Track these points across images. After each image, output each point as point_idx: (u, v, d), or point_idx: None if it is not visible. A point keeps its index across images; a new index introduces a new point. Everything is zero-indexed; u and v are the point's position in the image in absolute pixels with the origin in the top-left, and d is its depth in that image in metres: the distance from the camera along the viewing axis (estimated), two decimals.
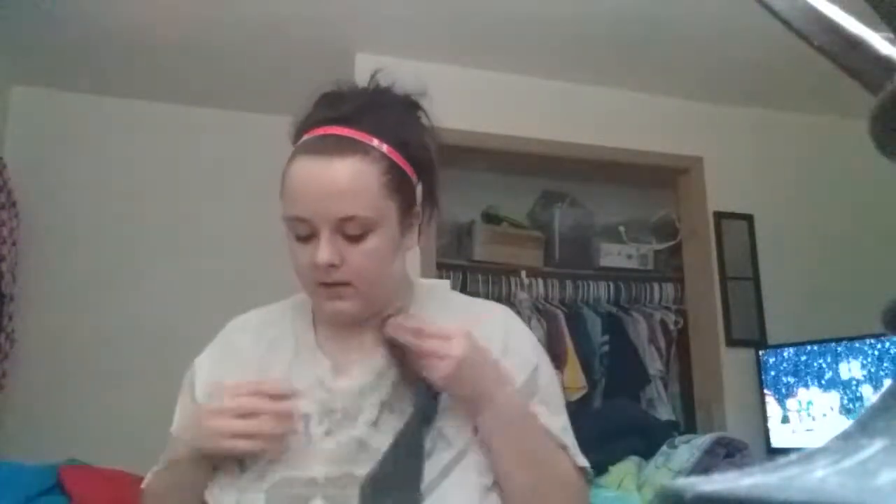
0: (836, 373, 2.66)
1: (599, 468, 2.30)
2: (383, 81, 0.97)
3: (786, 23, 0.28)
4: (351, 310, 0.91)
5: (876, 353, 2.56)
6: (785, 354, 2.86)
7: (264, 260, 2.94)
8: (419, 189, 0.94)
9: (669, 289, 3.53)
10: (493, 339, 0.93)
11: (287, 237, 0.91)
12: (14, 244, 2.72)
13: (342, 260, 0.87)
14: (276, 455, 0.87)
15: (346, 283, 0.88)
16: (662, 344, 3.39)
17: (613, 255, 3.53)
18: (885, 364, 2.54)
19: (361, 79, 1.01)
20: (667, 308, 3.50)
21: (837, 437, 0.21)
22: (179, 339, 2.80)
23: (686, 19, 2.58)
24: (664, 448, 2.34)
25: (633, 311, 3.46)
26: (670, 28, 2.63)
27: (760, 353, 2.94)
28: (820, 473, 0.18)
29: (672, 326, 3.43)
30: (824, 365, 2.70)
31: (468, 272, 3.30)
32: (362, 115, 0.90)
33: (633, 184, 3.58)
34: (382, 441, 0.86)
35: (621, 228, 3.60)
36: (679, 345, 3.38)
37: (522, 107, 2.96)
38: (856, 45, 0.27)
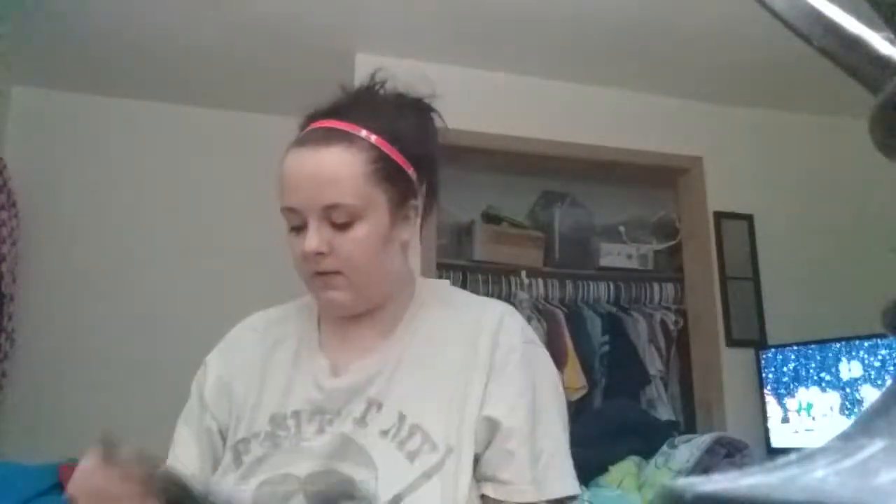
0: (836, 373, 2.66)
1: (599, 468, 2.31)
2: (390, 81, 0.98)
3: (786, 23, 0.28)
4: (344, 300, 0.91)
5: (876, 353, 2.56)
6: (785, 354, 2.86)
7: (264, 259, 2.95)
8: (417, 183, 0.95)
9: (669, 289, 3.53)
10: (483, 333, 0.93)
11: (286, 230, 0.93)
12: (14, 244, 2.72)
13: (331, 248, 0.88)
14: None
15: (337, 273, 0.89)
16: (662, 344, 3.39)
17: (613, 255, 3.53)
18: (885, 364, 2.54)
19: (361, 79, 1.01)
20: (667, 308, 3.50)
21: (837, 437, 0.21)
22: (179, 338, 2.82)
23: (686, 19, 2.58)
24: (664, 448, 2.35)
25: (633, 311, 3.46)
26: (670, 28, 2.64)
27: (760, 353, 2.94)
28: (820, 473, 0.18)
29: (672, 326, 3.43)
30: (824, 365, 2.70)
31: (468, 272, 3.30)
32: (353, 108, 0.93)
33: (633, 184, 3.58)
34: (368, 438, 0.87)
35: (621, 228, 3.60)
36: (679, 345, 3.38)
37: (522, 107, 2.96)
38: (856, 45, 0.27)
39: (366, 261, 0.90)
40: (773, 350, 2.92)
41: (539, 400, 0.90)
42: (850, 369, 2.62)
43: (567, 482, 0.89)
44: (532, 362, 0.93)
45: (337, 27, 2.65)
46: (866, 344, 2.59)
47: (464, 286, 3.22)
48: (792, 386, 2.81)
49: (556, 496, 0.87)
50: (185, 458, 0.95)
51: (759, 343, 3.02)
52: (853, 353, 2.62)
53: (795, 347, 2.82)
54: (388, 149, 0.91)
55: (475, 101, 2.87)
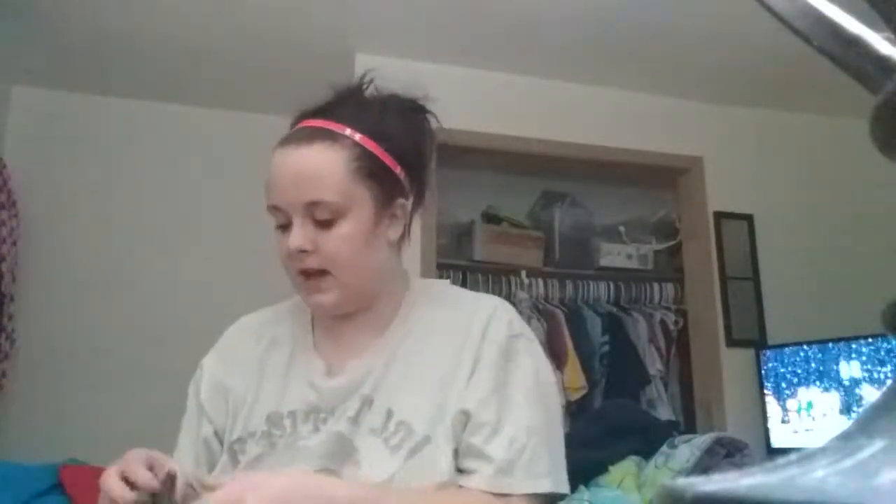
0: (836, 373, 2.66)
1: (599, 468, 2.30)
2: (386, 82, 0.99)
3: (786, 23, 0.28)
4: (331, 300, 0.92)
5: (876, 353, 2.56)
6: (785, 354, 2.86)
7: (264, 260, 2.94)
8: (406, 183, 0.95)
9: (669, 289, 3.53)
10: (473, 328, 0.93)
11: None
12: (14, 244, 2.72)
13: (315, 246, 0.88)
14: None
15: (323, 272, 0.90)
16: (662, 344, 3.39)
17: (613, 255, 3.53)
18: (885, 364, 2.54)
19: (356, 79, 1.01)
20: (667, 308, 3.50)
21: (837, 437, 0.21)
22: (179, 339, 2.82)
23: (686, 20, 2.58)
24: (664, 448, 2.34)
25: (633, 311, 3.46)
26: (670, 28, 2.64)
27: (760, 353, 2.94)
28: (820, 473, 0.18)
29: (672, 326, 3.43)
30: (824, 365, 2.70)
31: (468, 272, 3.30)
32: (339, 107, 0.94)
33: (633, 184, 3.58)
34: (361, 437, 0.87)
35: (621, 228, 3.60)
36: (679, 345, 3.38)
37: (523, 107, 2.96)
38: (856, 45, 0.27)
39: (350, 258, 0.90)
40: (773, 350, 2.92)
41: (515, 393, 0.89)
42: (850, 369, 2.62)
43: (540, 480, 0.86)
44: (513, 355, 0.92)
45: (337, 27, 2.65)
46: (866, 344, 2.59)
47: (464, 286, 3.19)
48: (792, 386, 2.81)
49: (525, 491, 0.85)
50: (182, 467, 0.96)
51: (759, 343, 3.01)
52: (853, 353, 2.62)
53: (795, 347, 2.82)
54: (372, 147, 0.91)
55: (475, 101, 2.87)
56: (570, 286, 3.45)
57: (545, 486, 0.86)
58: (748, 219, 3.18)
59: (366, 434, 0.88)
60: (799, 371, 2.79)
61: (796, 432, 2.77)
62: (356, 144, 0.90)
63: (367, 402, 0.90)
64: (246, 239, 3.03)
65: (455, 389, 0.89)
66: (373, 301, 0.96)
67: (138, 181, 3.09)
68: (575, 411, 3.11)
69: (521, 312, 3.19)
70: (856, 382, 2.60)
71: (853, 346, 2.63)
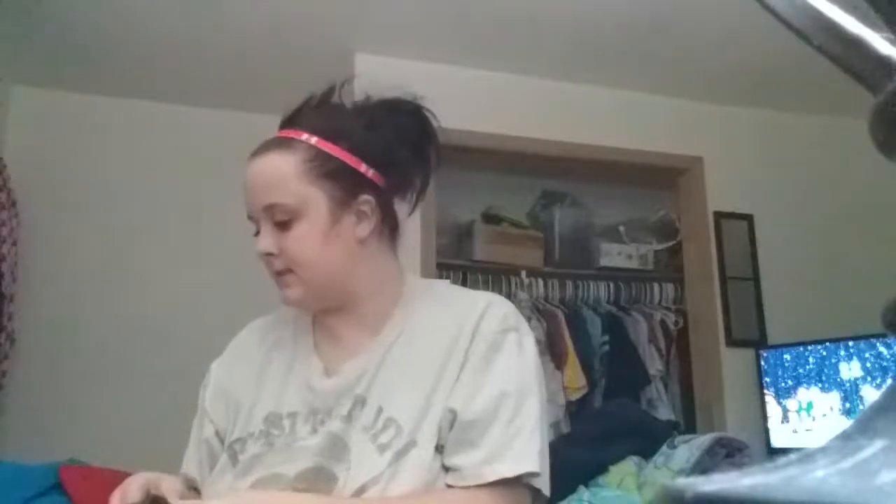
0: (836, 373, 2.66)
1: (599, 468, 2.30)
2: (378, 85, 1.00)
3: (786, 23, 0.28)
4: (296, 295, 0.95)
5: (876, 353, 2.56)
6: (785, 354, 2.86)
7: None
8: (376, 180, 0.96)
9: (669, 289, 3.53)
10: (466, 325, 0.93)
11: None
12: (14, 244, 2.72)
13: (279, 249, 0.93)
14: None
15: (289, 271, 0.94)
16: (662, 344, 3.39)
17: (613, 255, 3.53)
18: (885, 364, 2.54)
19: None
20: (667, 308, 3.50)
21: (837, 437, 0.21)
22: (179, 339, 2.82)
23: (686, 20, 2.58)
24: (664, 448, 2.34)
25: (633, 311, 3.46)
26: (670, 28, 2.64)
27: (760, 353, 2.94)
28: (820, 473, 0.18)
29: (672, 326, 3.43)
30: (824, 365, 2.70)
31: (468, 272, 3.30)
32: (302, 113, 0.98)
33: (633, 184, 3.58)
34: (352, 435, 0.88)
35: (621, 228, 3.60)
36: (679, 345, 3.38)
37: (523, 107, 2.96)
38: (856, 45, 0.27)
39: (308, 257, 0.92)
40: (773, 350, 2.92)
41: (501, 388, 0.89)
42: (850, 369, 2.62)
43: (522, 462, 0.86)
44: (498, 349, 0.92)
45: (337, 27, 2.65)
46: (866, 344, 2.59)
47: (464, 286, 3.22)
48: (792, 386, 2.81)
49: (505, 475, 0.85)
50: (188, 468, 1.00)
51: (759, 343, 3.01)
52: (853, 353, 2.62)
53: (795, 347, 2.82)
54: (329, 147, 0.93)
55: (475, 101, 2.87)
56: (570, 286, 3.45)
57: (530, 466, 0.86)
58: (748, 219, 3.18)
59: (357, 432, 0.89)
60: (799, 371, 2.79)
61: (796, 432, 2.77)
62: (311, 147, 0.93)
63: (360, 402, 0.91)
64: (246, 239, 3.03)
65: (444, 387, 0.90)
66: (360, 298, 0.97)
67: (138, 181, 3.09)
68: (575, 411, 3.11)
69: (521, 312, 3.21)
70: (856, 382, 2.60)
71: (853, 346, 2.63)
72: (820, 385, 2.70)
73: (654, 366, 3.32)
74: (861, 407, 2.52)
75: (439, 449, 0.88)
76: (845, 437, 0.20)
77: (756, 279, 3.13)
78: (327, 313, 0.99)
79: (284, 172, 0.92)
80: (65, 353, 2.83)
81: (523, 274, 3.38)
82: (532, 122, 2.94)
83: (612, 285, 3.50)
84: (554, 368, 3.15)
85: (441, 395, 0.89)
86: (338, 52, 2.73)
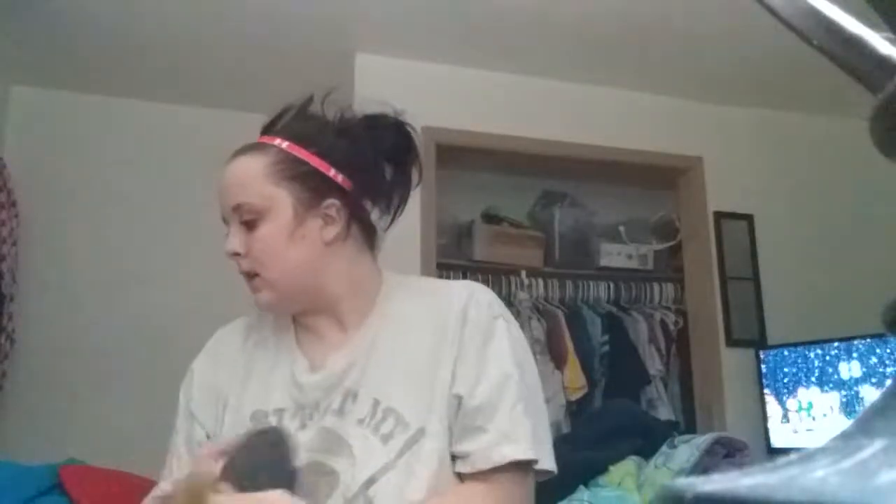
0: (836, 373, 2.66)
1: (599, 468, 2.30)
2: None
3: (786, 23, 0.28)
4: (265, 300, 0.97)
5: (876, 353, 2.56)
6: (785, 354, 2.86)
7: None
8: (344, 185, 0.97)
9: (669, 289, 3.53)
10: (452, 312, 0.94)
11: None
12: (14, 244, 2.72)
13: (246, 249, 0.95)
14: None
15: (255, 275, 0.96)
16: (662, 344, 3.39)
17: (613, 255, 3.53)
18: (885, 364, 2.54)
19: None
20: (667, 308, 3.50)
21: (837, 437, 0.21)
22: (179, 339, 2.81)
23: (686, 20, 2.58)
24: (664, 448, 2.34)
25: (633, 311, 3.46)
26: (671, 28, 2.64)
27: (760, 353, 2.94)
28: (820, 473, 0.18)
29: (672, 326, 3.43)
30: (824, 365, 2.70)
31: (468, 272, 3.30)
32: (278, 121, 1.01)
33: (633, 184, 3.58)
34: (346, 428, 0.89)
35: (621, 228, 3.60)
36: (679, 345, 3.38)
37: (523, 107, 2.96)
38: (856, 45, 0.27)
39: (272, 258, 0.94)
40: (773, 350, 2.92)
41: (502, 371, 0.91)
42: (850, 369, 2.62)
43: (532, 446, 0.88)
44: (491, 336, 0.94)
45: (337, 27, 2.65)
46: (866, 344, 2.59)
47: None
48: (792, 386, 2.81)
49: (516, 457, 0.87)
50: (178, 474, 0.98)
51: (759, 343, 3.01)
52: (853, 353, 2.62)
53: (795, 347, 2.82)
54: (298, 151, 0.96)
55: (475, 101, 2.87)
56: (570, 286, 3.45)
57: (531, 453, 0.87)
58: (748, 219, 3.18)
59: (353, 425, 0.89)
60: (799, 371, 2.79)
61: (796, 432, 2.77)
62: (281, 151, 0.96)
63: (352, 395, 0.92)
64: None
65: (442, 375, 0.91)
66: (335, 299, 0.98)
67: (138, 181, 3.09)
68: (575, 411, 3.11)
69: (520, 312, 3.22)
70: (856, 382, 2.60)
71: (853, 346, 2.62)
72: (820, 385, 2.70)
73: (654, 366, 3.32)
74: (861, 407, 2.51)
75: (449, 436, 0.89)
76: (845, 437, 0.20)
77: (756, 279, 3.13)
78: (305, 314, 1.00)
79: (252, 173, 0.95)
80: (65, 353, 2.83)
81: (523, 274, 3.38)
82: (532, 122, 2.94)
83: (612, 285, 3.50)
84: (554, 368, 3.15)
85: (442, 383, 0.90)
86: (338, 52, 2.73)
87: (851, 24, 0.27)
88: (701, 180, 3.16)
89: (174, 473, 0.97)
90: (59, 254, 2.93)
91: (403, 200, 1.05)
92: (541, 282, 3.41)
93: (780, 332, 3.00)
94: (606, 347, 3.30)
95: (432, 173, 2.69)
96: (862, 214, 3.16)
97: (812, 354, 2.76)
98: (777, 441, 2.81)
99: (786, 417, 2.81)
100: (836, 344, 2.68)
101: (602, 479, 2.27)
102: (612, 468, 2.30)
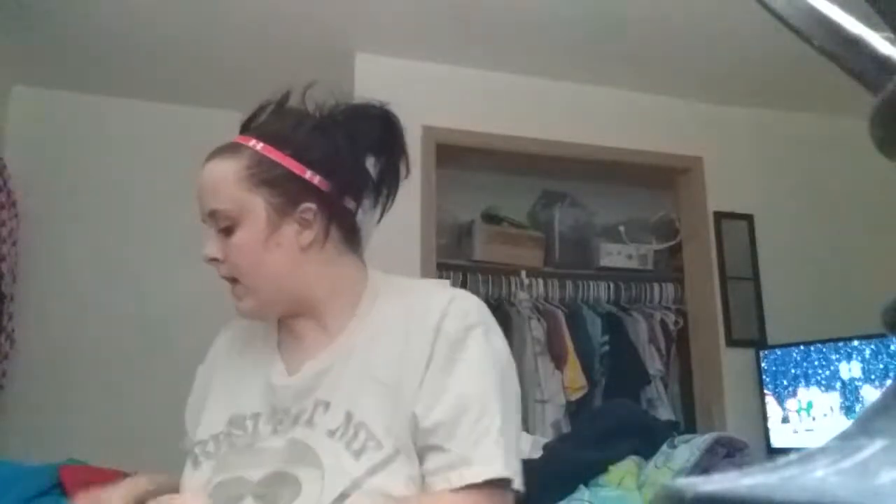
0: (836, 373, 2.66)
1: (599, 468, 2.30)
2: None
3: (786, 23, 0.28)
4: (247, 307, 0.95)
5: (876, 353, 2.56)
6: (785, 354, 2.86)
7: None
8: (321, 187, 0.94)
9: (669, 289, 3.53)
10: (427, 323, 0.90)
11: None
12: (14, 244, 2.72)
13: (224, 255, 0.93)
14: None
15: (235, 281, 0.94)
16: (662, 344, 3.39)
17: (613, 255, 3.53)
18: (885, 364, 2.54)
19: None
20: (667, 308, 3.50)
21: (837, 437, 0.21)
22: (179, 339, 2.82)
23: (686, 19, 2.58)
24: (664, 448, 2.34)
25: (633, 311, 3.46)
26: (671, 28, 2.64)
27: (760, 353, 2.94)
28: (820, 473, 0.18)
29: (672, 326, 3.43)
30: (824, 365, 2.70)
31: (468, 272, 3.30)
32: (254, 120, 0.99)
33: (633, 184, 3.58)
34: (316, 439, 0.87)
35: (621, 228, 3.60)
36: (679, 345, 3.38)
37: (523, 107, 2.96)
38: (856, 45, 0.27)
39: (248, 264, 0.92)
40: (773, 350, 2.92)
41: (463, 390, 0.86)
42: (850, 369, 2.62)
43: (490, 466, 0.82)
44: (463, 347, 0.88)
45: (337, 27, 2.65)
46: (866, 344, 2.59)
47: (464, 286, 3.22)
48: (792, 386, 2.81)
49: (472, 481, 0.82)
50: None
51: (759, 343, 3.01)
52: (853, 353, 2.62)
53: (795, 347, 2.82)
54: (272, 153, 0.93)
55: (475, 101, 2.87)
56: (570, 286, 3.45)
57: (501, 471, 0.83)
58: (748, 219, 3.18)
59: (324, 436, 0.86)
60: (799, 371, 2.79)
61: (796, 432, 2.77)
62: (255, 153, 0.93)
63: (323, 405, 0.89)
64: None
65: (407, 390, 0.87)
66: (317, 303, 0.96)
67: (138, 181, 3.09)
68: (575, 411, 3.11)
69: (520, 312, 3.22)
70: (856, 382, 2.60)
71: (853, 346, 2.62)
72: (820, 385, 2.70)
73: (654, 366, 3.32)
74: (861, 407, 2.51)
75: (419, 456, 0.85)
76: (845, 437, 0.20)
77: (756, 279, 3.13)
78: (288, 317, 0.99)
79: (225, 178, 0.92)
80: (64, 353, 2.83)
81: (523, 274, 3.38)
82: (532, 122, 2.94)
83: (612, 285, 3.50)
84: (554, 368, 3.15)
85: (407, 399, 0.86)
86: (338, 52, 2.73)
87: (851, 24, 0.27)
88: (701, 180, 3.16)
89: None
90: (59, 254, 2.93)
91: (392, 194, 1.01)
92: (541, 282, 3.41)
93: (780, 332, 3.00)
94: (606, 347, 3.30)
95: (432, 173, 2.69)
96: (862, 214, 3.16)
97: (812, 354, 2.76)
98: (777, 441, 2.81)
99: (786, 417, 2.81)
100: (836, 344, 2.68)
101: (602, 479, 2.27)
102: (612, 468, 2.30)
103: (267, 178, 0.92)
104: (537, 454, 2.06)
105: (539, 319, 3.25)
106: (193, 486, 0.91)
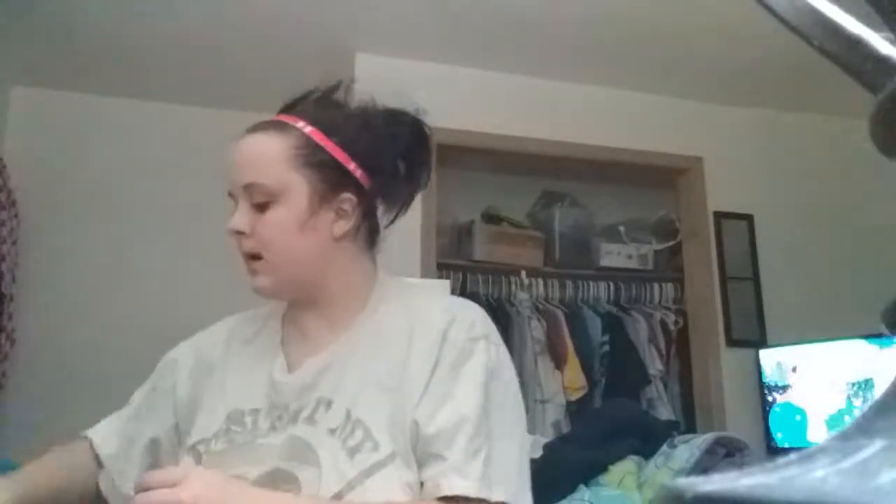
0: (836, 373, 2.66)
1: (599, 468, 2.30)
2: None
3: (786, 23, 0.28)
4: (264, 284, 0.94)
5: (876, 353, 2.56)
6: (785, 354, 2.86)
7: None
8: (362, 181, 0.95)
9: (669, 289, 3.53)
10: (431, 331, 0.90)
11: None
12: (14, 244, 2.72)
13: (252, 230, 0.91)
14: None
15: (259, 256, 0.92)
16: (662, 344, 3.39)
17: (613, 255, 3.53)
18: (885, 364, 2.54)
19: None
20: (667, 308, 3.50)
21: (837, 437, 0.21)
22: (179, 338, 2.81)
23: (686, 19, 2.58)
24: (664, 448, 2.34)
25: (633, 311, 3.46)
26: (671, 28, 2.64)
27: (760, 353, 2.94)
28: (820, 473, 0.18)
29: (672, 326, 3.43)
30: (824, 365, 2.70)
31: (468, 272, 3.30)
32: (302, 103, 0.98)
33: (633, 184, 3.58)
34: (317, 437, 0.86)
35: (621, 228, 3.60)
36: (679, 345, 3.38)
37: (523, 107, 2.96)
38: (856, 45, 0.27)
39: (281, 244, 0.91)
40: (773, 350, 2.92)
41: (466, 402, 0.85)
42: (849, 369, 2.62)
43: (472, 483, 0.81)
44: (472, 359, 0.88)
45: (337, 27, 2.65)
46: (866, 344, 2.58)
47: (464, 286, 3.22)
48: (792, 386, 2.81)
49: (465, 493, 0.81)
50: (106, 441, 1.07)
51: (759, 343, 3.01)
52: (853, 353, 2.62)
53: (795, 347, 2.82)
54: (320, 139, 0.93)
55: (475, 100, 2.87)
56: (570, 286, 3.45)
57: (478, 492, 0.81)
58: (748, 219, 3.18)
59: (324, 434, 0.86)
60: (799, 371, 2.79)
61: (796, 432, 2.76)
62: (303, 135, 0.92)
63: (325, 403, 0.89)
64: None
65: (410, 396, 0.86)
66: (330, 295, 0.96)
67: (138, 181, 3.09)
68: (575, 411, 3.11)
69: (520, 312, 3.22)
70: (856, 382, 2.60)
71: (853, 346, 2.62)
72: (820, 385, 2.70)
73: (654, 366, 3.32)
74: (861, 407, 2.51)
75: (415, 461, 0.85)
76: (845, 437, 0.20)
77: (756, 279, 3.13)
78: (297, 307, 0.99)
79: (271, 154, 0.91)
80: (65, 353, 2.83)
81: (523, 274, 3.38)
82: (532, 122, 2.94)
83: (612, 285, 3.50)
84: (554, 368, 3.15)
85: (407, 403, 0.86)
86: (338, 52, 2.73)
87: (851, 24, 0.27)
88: (701, 180, 3.16)
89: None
90: (59, 254, 2.93)
91: (409, 202, 1.02)
92: (541, 282, 3.41)
93: (780, 332, 3.00)
94: (606, 347, 3.30)
95: (433, 173, 2.69)
96: (862, 214, 3.16)
97: (812, 354, 2.75)
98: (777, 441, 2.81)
99: (784, 417, 2.81)
100: (835, 344, 2.68)
101: (602, 479, 2.27)
102: (612, 468, 2.30)
103: (313, 161, 0.92)
104: (537, 454, 2.06)
105: (539, 319, 3.25)
106: None
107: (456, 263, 3.29)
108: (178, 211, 3.10)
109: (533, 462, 0.93)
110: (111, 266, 2.98)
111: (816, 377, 2.72)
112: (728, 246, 3.13)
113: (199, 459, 0.91)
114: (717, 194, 3.15)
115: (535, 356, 3.12)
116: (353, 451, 0.84)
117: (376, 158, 0.96)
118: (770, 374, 2.88)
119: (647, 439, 2.44)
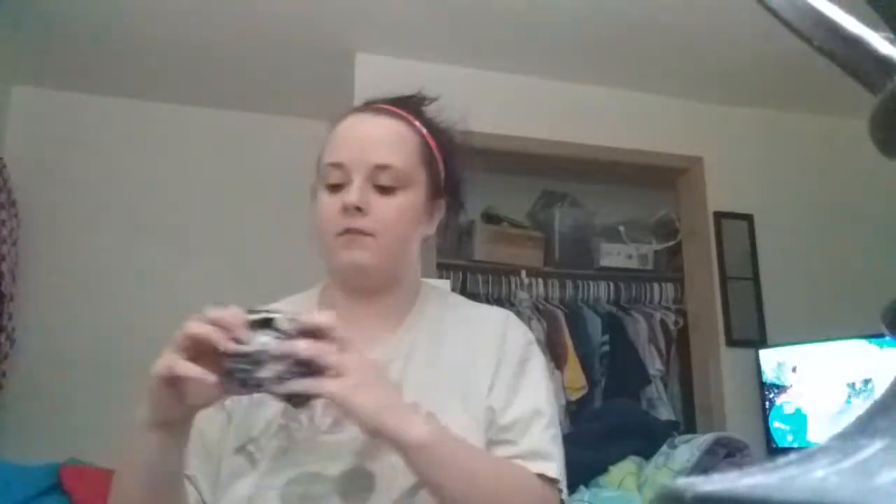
0: (836, 373, 2.66)
1: (599, 468, 2.30)
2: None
3: (786, 23, 0.28)
4: (368, 261, 0.91)
5: (876, 353, 2.56)
6: (785, 354, 2.86)
7: (265, 259, 2.94)
8: (445, 188, 1.01)
9: (669, 289, 3.53)
10: (490, 333, 0.98)
11: (316, 193, 0.95)
12: (14, 244, 2.72)
13: (369, 209, 0.91)
14: (200, 401, 0.82)
15: (364, 234, 0.91)
16: (662, 344, 3.39)
17: (613, 255, 3.53)
18: (885, 364, 2.54)
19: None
20: (667, 308, 3.50)
21: (837, 437, 0.21)
22: None
23: (686, 20, 2.58)
24: (664, 448, 2.34)
25: (633, 311, 3.46)
26: (671, 28, 2.64)
27: (760, 353, 2.94)
28: (820, 473, 0.18)
29: (672, 326, 3.43)
30: (824, 365, 2.70)
31: (468, 272, 3.30)
32: (411, 104, 1.02)
33: (633, 184, 3.58)
34: None
35: (621, 228, 3.60)
36: (679, 345, 3.38)
37: (523, 106, 2.96)
38: (856, 45, 0.27)
39: (398, 229, 0.93)
40: (772, 350, 2.92)
41: (536, 398, 0.94)
42: (850, 369, 2.62)
43: (552, 464, 0.90)
44: (528, 359, 0.97)
45: (337, 27, 2.65)
46: (866, 344, 2.58)
47: (464, 286, 3.22)
48: (792, 386, 2.81)
49: (538, 471, 0.89)
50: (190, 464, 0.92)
51: (759, 343, 3.01)
52: (853, 353, 2.62)
53: (795, 347, 2.82)
54: (433, 145, 0.98)
55: (475, 101, 2.85)
56: (570, 286, 3.45)
57: (558, 474, 0.90)
58: (748, 219, 3.18)
59: None
60: (799, 371, 2.79)
61: (796, 432, 2.76)
62: (423, 137, 0.98)
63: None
64: (246, 237, 3.03)
65: (479, 391, 0.92)
66: (393, 287, 0.98)
67: (138, 181, 3.09)
68: (575, 411, 3.11)
69: (520, 312, 3.22)
70: (856, 382, 2.60)
71: (853, 346, 2.62)
72: (820, 385, 2.70)
73: (654, 366, 3.32)
74: (861, 407, 2.51)
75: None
76: (845, 437, 0.20)
77: (756, 279, 3.13)
78: (353, 297, 0.97)
79: (407, 142, 0.95)
80: (65, 353, 2.83)
81: (523, 274, 3.38)
82: (532, 121, 2.94)
83: (612, 285, 3.50)
84: (554, 368, 3.14)
85: (474, 400, 0.91)
86: (338, 52, 2.73)
87: (851, 24, 0.27)
88: (701, 180, 3.16)
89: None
90: (58, 254, 2.93)
91: (449, 229, 1.08)
92: (541, 282, 3.41)
93: (780, 332, 3.00)
94: (606, 347, 3.30)
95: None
96: (862, 214, 3.16)
97: (812, 354, 2.75)
98: (777, 441, 2.81)
99: (784, 417, 2.81)
100: (835, 344, 2.68)
101: (602, 479, 2.27)
102: (612, 468, 2.31)
103: (429, 161, 0.97)
104: None
105: (539, 319, 3.25)
106: (249, 486, 0.85)
107: (456, 263, 3.29)
108: (178, 210, 3.10)
109: None
110: (111, 266, 2.98)
111: (816, 377, 2.72)
112: (728, 246, 3.13)
113: (252, 459, 0.88)
114: (716, 194, 3.15)
115: None
116: (376, 487, 0.84)
117: (455, 178, 1.03)
118: (770, 374, 2.88)
119: (647, 439, 2.44)
